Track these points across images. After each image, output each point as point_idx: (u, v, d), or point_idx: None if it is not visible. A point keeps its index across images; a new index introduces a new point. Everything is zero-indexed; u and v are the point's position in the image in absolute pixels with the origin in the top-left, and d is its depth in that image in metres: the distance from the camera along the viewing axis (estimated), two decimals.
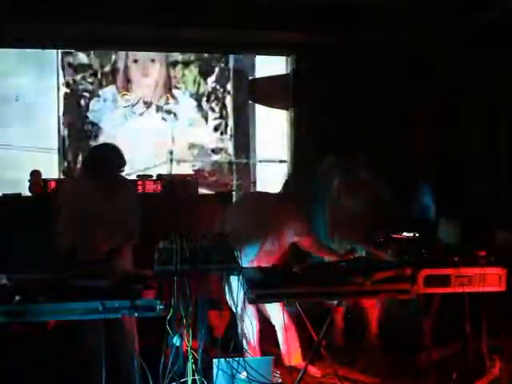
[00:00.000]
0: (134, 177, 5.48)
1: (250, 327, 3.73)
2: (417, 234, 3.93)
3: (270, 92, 6.55)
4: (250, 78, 6.62)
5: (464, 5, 5.14)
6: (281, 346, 3.98)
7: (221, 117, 6.81)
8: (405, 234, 3.95)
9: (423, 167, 6.15)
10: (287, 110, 6.47)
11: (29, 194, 5.40)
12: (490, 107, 5.39)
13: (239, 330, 3.80)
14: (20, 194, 5.24)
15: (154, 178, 5.41)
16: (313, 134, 6.23)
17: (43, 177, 5.42)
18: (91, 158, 3.66)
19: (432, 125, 6.10)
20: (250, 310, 3.73)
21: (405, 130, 6.27)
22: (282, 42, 6.20)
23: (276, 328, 3.96)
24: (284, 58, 6.56)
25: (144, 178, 5.44)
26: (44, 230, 3.56)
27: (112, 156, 3.58)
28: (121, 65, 6.69)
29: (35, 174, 5.43)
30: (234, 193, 5.69)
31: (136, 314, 2.78)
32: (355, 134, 6.09)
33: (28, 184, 5.46)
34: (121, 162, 3.60)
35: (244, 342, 3.79)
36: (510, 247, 3.91)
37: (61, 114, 6.54)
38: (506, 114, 5.23)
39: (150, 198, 5.23)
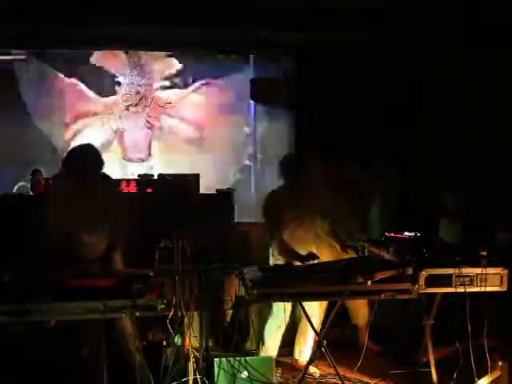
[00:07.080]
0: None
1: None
2: (418, 234, 3.92)
3: (271, 92, 6.54)
4: (251, 78, 6.61)
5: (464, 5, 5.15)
6: (300, 339, 4.04)
7: None
8: (406, 233, 3.95)
9: (423, 166, 6.14)
10: (288, 109, 6.46)
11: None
12: (490, 107, 5.38)
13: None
14: (21, 194, 5.24)
15: (155, 177, 5.41)
16: (314, 134, 6.23)
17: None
18: (70, 159, 3.68)
19: (432, 124, 6.10)
20: None
21: (405, 129, 6.26)
22: (282, 41, 6.19)
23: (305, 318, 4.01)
24: (284, 58, 6.55)
25: (145, 177, 5.45)
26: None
27: (89, 157, 3.61)
28: None
29: (36, 174, 5.41)
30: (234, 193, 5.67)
31: (137, 314, 2.77)
32: (355, 133, 6.09)
33: (30, 183, 5.46)
34: (98, 162, 3.63)
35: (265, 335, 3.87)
36: (510, 247, 3.91)
37: None
38: (507, 113, 5.23)
39: (150, 197, 5.23)
